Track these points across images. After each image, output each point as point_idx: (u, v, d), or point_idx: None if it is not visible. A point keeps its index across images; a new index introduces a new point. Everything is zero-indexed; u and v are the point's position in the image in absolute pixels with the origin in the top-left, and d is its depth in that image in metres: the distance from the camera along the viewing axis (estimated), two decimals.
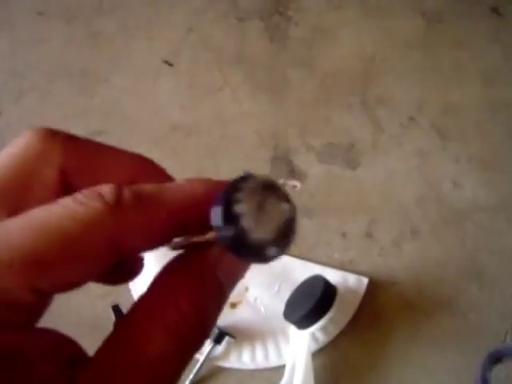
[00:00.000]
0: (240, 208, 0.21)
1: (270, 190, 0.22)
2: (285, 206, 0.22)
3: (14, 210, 0.23)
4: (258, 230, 0.21)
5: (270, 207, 0.22)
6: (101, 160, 0.26)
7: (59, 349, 0.22)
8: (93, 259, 0.22)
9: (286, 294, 0.76)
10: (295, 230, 0.23)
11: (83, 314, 0.77)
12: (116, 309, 0.75)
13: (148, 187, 0.24)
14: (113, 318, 0.74)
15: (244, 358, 0.74)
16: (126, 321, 0.22)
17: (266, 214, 0.22)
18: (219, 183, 0.25)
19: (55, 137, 0.25)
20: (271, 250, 0.22)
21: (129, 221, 0.22)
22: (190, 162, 0.90)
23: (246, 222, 0.21)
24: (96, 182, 0.23)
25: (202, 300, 0.23)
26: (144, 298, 0.23)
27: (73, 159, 0.24)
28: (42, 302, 0.21)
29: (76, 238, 0.21)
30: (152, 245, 0.24)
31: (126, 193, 0.23)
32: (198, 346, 0.23)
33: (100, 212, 0.21)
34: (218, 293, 0.24)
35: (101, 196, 0.22)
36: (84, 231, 0.21)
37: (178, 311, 0.22)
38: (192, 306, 0.22)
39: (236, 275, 0.25)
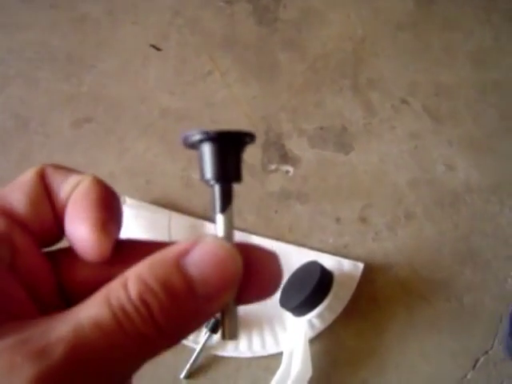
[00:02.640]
0: None
1: None
2: None
3: None
4: None
5: None
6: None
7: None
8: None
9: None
10: None
11: None
12: None
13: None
14: None
15: (241, 347, 0.74)
16: None
17: None
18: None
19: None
20: None
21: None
22: (180, 147, 0.88)
23: None
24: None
25: (152, 282, 0.21)
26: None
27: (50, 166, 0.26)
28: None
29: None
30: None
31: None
32: (147, 336, 0.21)
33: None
34: (181, 286, 0.22)
35: None
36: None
37: (123, 285, 0.21)
38: (137, 282, 0.21)
39: (217, 278, 0.23)
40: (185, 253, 0.23)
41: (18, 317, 0.22)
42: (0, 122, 0.90)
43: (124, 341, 0.21)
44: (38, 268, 0.25)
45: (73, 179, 0.26)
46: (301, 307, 0.71)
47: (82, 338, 0.20)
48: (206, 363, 0.74)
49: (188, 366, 0.73)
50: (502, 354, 0.74)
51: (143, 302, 0.21)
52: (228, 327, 0.25)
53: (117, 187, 0.27)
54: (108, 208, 0.25)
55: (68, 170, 0.27)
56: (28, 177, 0.26)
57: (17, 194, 0.25)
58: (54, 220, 0.26)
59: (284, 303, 0.73)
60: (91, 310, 0.21)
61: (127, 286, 0.21)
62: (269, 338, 0.74)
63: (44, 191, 0.26)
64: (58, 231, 0.27)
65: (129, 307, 0.21)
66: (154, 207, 0.82)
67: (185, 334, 0.23)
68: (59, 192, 0.26)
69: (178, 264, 0.22)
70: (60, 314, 0.21)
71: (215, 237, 0.24)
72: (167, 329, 0.22)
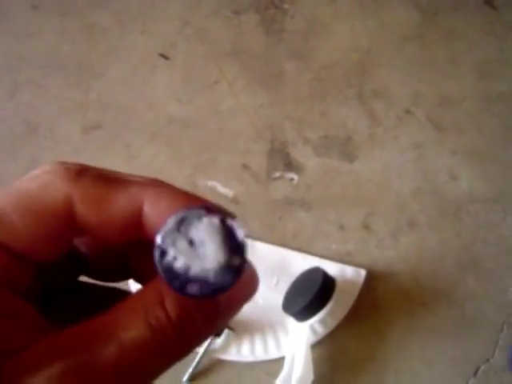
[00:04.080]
0: (170, 253, 0.21)
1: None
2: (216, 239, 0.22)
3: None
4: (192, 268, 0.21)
5: (204, 242, 0.21)
6: (107, 191, 0.24)
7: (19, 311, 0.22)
8: (47, 216, 0.23)
9: (285, 287, 0.76)
10: (241, 248, 0.22)
11: None
12: None
13: (120, 174, 0.26)
14: None
15: (243, 351, 0.74)
16: (106, 310, 0.22)
17: (198, 250, 0.21)
18: (189, 199, 0.24)
19: (78, 181, 0.24)
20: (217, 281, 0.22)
21: (86, 190, 0.23)
22: (186, 155, 0.90)
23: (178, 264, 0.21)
24: (100, 212, 0.24)
25: (189, 306, 0.22)
26: (131, 296, 0.23)
27: (81, 194, 0.24)
28: (10, 261, 0.23)
29: (33, 195, 0.23)
30: (109, 226, 0.24)
31: (92, 170, 0.25)
32: (176, 349, 0.22)
33: (61, 177, 0.23)
34: (209, 307, 0.23)
35: (64, 165, 0.24)
36: (41, 189, 0.23)
37: (161, 307, 0.22)
38: (177, 307, 0.22)
39: (237, 299, 0.24)
40: None
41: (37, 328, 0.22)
42: (10, 128, 0.92)
43: (159, 359, 0.22)
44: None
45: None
46: (303, 312, 0.72)
47: (125, 361, 0.21)
48: (209, 367, 0.75)
49: (190, 369, 0.73)
50: (507, 367, 0.74)
51: (182, 324, 0.22)
52: None
53: None
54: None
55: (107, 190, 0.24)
56: (53, 205, 0.23)
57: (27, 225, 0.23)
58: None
59: (287, 308, 0.73)
60: (132, 330, 0.21)
61: (165, 305, 0.22)
62: (271, 343, 0.75)
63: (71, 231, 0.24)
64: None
65: (169, 330, 0.22)
66: None
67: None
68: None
69: None
70: (98, 326, 0.21)
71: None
72: (194, 345, 0.23)
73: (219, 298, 0.23)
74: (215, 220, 0.22)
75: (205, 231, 0.21)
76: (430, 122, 0.92)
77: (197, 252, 0.21)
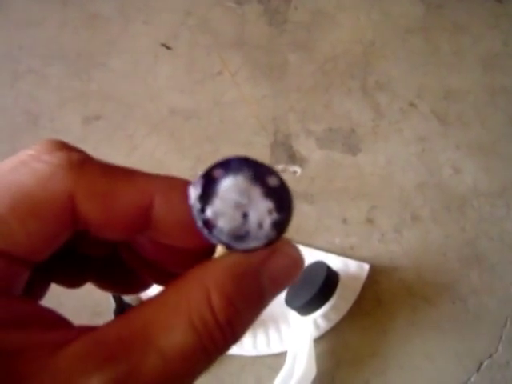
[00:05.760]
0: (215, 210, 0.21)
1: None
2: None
3: None
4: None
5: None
6: (113, 186, 0.22)
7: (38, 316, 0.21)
8: (47, 214, 0.21)
9: None
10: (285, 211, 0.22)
11: (83, 301, 0.77)
12: (116, 296, 0.74)
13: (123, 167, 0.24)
14: (113, 305, 0.73)
15: (246, 345, 0.74)
16: (144, 304, 0.21)
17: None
18: None
19: (73, 165, 0.22)
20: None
21: (91, 184, 0.22)
22: (188, 146, 0.89)
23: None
24: (106, 209, 0.22)
25: (237, 300, 0.20)
26: (171, 286, 0.21)
27: (85, 189, 0.22)
28: (6, 266, 0.21)
29: (31, 193, 0.21)
30: (114, 224, 0.22)
31: (94, 159, 0.23)
32: (222, 350, 0.21)
33: (62, 169, 0.21)
34: (257, 298, 0.21)
35: (65, 155, 0.22)
36: (40, 186, 0.21)
37: (207, 303, 0.20)
38: (224, 302, 0.20)
39: (282, 284, 0.22)
40: (263, 262, 0.22)
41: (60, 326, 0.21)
42: (10, 118, 0.91)
43: (205, 364, 0.20)
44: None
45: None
46: (306, 306, 0.71)
47: (168, 372, 0.19)
48: None
49: None
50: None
51: (230, 325, 0.20)
52: None
53: None
54: None
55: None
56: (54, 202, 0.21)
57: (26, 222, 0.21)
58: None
59: (289, 302, 0.73)
60: (174, 335, 0.19)
61: (212, 303, 0.20)
62: (274, 337, 0.74)
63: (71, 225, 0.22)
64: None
65: (217, 334, 0.20)
66: None
67: None
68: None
69: (259, 276, 0.22)
70: (137, 327, 0.20)
71: (291, 245, 0.24)
72: (240, 339, 0.22)
73: (265, 289, 0.22)
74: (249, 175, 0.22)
75: (245, 185, 0.22)
76: (434, 115, 0.91)
77: (243, 207, 0.21)
